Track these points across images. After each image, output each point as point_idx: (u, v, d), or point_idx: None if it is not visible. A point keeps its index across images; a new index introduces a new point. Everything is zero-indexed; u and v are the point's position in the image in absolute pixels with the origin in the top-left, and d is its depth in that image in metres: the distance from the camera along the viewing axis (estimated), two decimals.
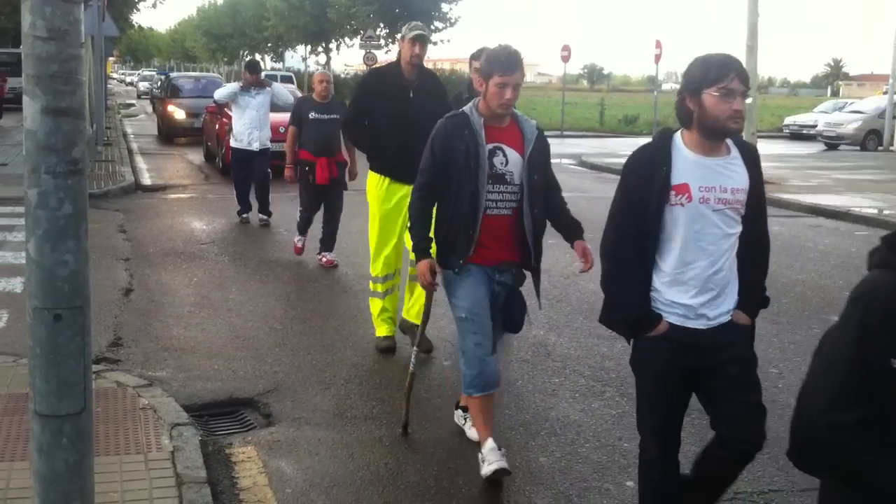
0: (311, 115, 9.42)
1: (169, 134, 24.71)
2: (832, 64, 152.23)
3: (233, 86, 12.04)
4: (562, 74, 37.40)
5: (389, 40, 34.99)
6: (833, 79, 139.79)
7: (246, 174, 11.95)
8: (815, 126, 32.21)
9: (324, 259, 9.52)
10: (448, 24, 34.30)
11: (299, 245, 9.90)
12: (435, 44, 34.73)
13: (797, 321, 7.68)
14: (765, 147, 19.08)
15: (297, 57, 58.37)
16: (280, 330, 7.15)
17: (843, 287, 9.00)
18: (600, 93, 75.44)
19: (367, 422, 5.33)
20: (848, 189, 16.95)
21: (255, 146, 11.63)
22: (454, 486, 4.53)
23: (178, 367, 6.21)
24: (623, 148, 26.25)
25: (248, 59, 12.52)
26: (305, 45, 49.21)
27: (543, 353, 6.65)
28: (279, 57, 58.86)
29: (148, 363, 6.27)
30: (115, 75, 74.80)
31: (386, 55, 37.99)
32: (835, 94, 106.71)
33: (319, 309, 7.80)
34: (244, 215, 12.14)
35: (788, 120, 36.59)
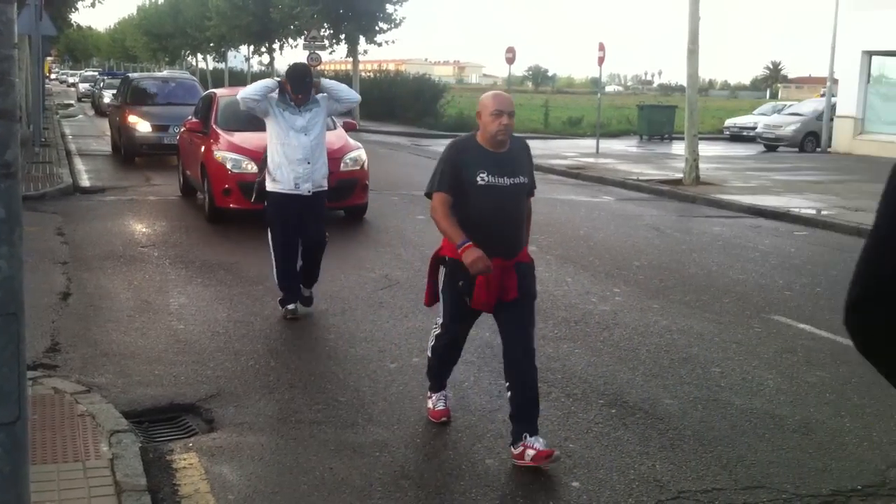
0: None
1: (129, 152, 19.56)
2: (771, 67, 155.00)
3: (268, 84, 7.53)
4: (507, 76, 37.53)
5: (333, 41, 34.82)
6: (772, 81, 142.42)
7: (292, 233, 7.56)
8: (754, 128, 32.71)
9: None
10: (393, 26, 34.18)
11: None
12: (380, 45, 34.69)
13: (738, 321, 7.78)
14: (706, 148, 19.41)
15: (240, 57, 57.79)
16: (223, 334, 7.05)
17: (784, 287, 9.15)
18: (545, 94, 75.80)
19: (312, 426, 5.27)
20: (787, 190, 17.25)
21: (306, 188, 7.40)
22: (399, 489, 4.50)
23: (118, 373, 6.08)
24: (567, 149, 26.47)
25: (291, 64, 7.92)
26: (248, 46, 48.70)
27: (489, 355, 6.64)
28: (221, 57, 58.18)
29: (86, 369, 6.13)
30: (53, 75, 73.28)
31: (330, 56, 37.91)
32: (773, 96, 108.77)
33: (263, 312, 7.71)
34: (290, 306, 7.55)
35: (729, 122, 37.11)
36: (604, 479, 4.64)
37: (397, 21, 34.13)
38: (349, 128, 13.03)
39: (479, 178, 4.70)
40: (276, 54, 46.64)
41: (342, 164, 11.62)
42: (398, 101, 37.86)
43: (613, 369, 6.38)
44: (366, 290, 8.44)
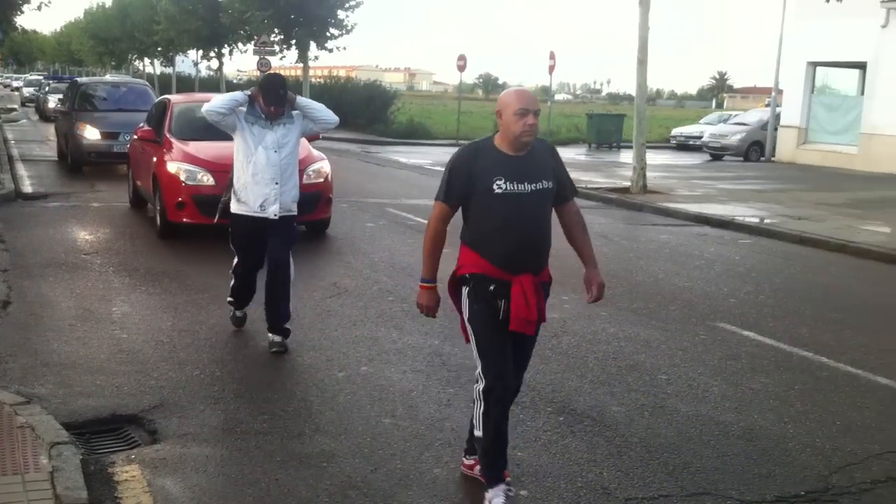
0: None
1: (76, 160, 18.58)
2: (717, 77, 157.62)
3: (237, 97, 6.82)
4: (458, 83, 37.64)
5: (284, 46, 34.60)
6: (718, 91, 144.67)
7: (254, 260, 7.07)
8: (700, 137, 33.19)
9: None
10: (344, 32, 34.08)
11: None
12: (331, 51, 34.57)
13: (685, 328, 7.85)
14: (653, 157, 19.62)
15: (189, 62, 57.20)
16: (167, 343, 6.94)
17: (728, 294, 9.27)
18: (495, 102, 76.08)
19: (258, 437, 5.20)
20: (732, 198, 17.50)
21: (273, 212, 6.74)
22: (347, 499, 4.45)
23: (59, 384, 5.95)
24: None
25: (265, 73, 7.92)
26: (197, 50, 48.22)
27: (438, 364, 6.62)
28: (169, 62, 57.51)
29: (26, 379, 5.99)
30: None
31: (280, 61, 37.65)
32: (719, 106, 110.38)
33: (209, 321, 7.60)
34: (238, 312, 7.34)
35: (676, 131, 37.63)
36: (552, 487, 4.65)
37: (348, 27, 34.06)
38: (311, 138, 12.05)
39: (496, 186, 4.17)
40: (226, 59, 46.26)
41: (304, 177, 10.89)
42: (349, 108, 37.71)
43: (562, 377, 6.40)
44: (314, 299, 8.38)
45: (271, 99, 6.66)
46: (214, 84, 47.44)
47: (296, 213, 6.99)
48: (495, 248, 4.22)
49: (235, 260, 7.13)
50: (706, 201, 16.81)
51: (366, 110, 37.49)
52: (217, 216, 7.26)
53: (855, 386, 6.46)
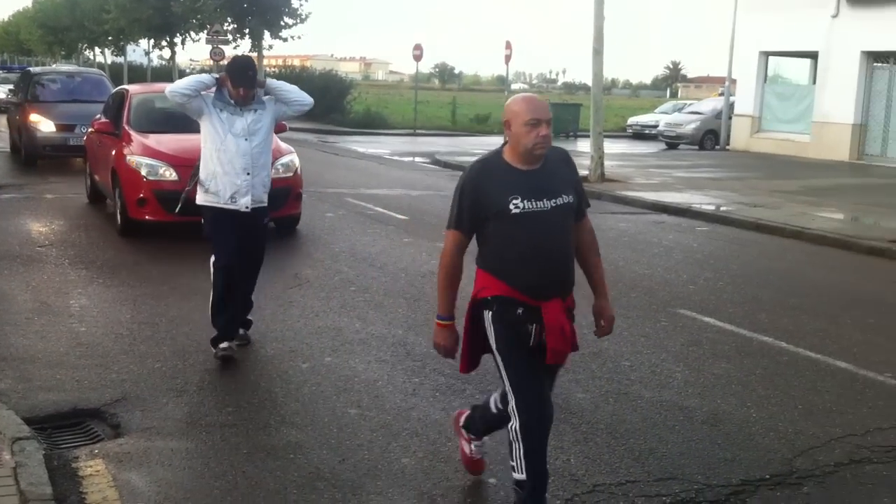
0: None
1: (30, 153, 17.89)
2: (671, 66, 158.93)
3: (203, 79, 6.47)
4: (414, 73, 37.56)
5: (237, 35, 34.23)
6: (672, 81, 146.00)
7: (236, 242, 6.43)
8: (656, 126, 33.49)
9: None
10: (298, 21, 33.80)
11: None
12: (285, 40, 34.27)
13: (646, 315, 7.92)
14: (610, 146, 19.75)
15: (140, 51, 56.36)
16: (126, 336, 6.84)
17: (688, 281, 9.36)
18: (451, 92, 76.16)
19: (223, 429, 5.15)
20: (688, 186, 17.66)
21: (244, 204, 6.34)
22: (315, 490, 4.43)
23: (18, 378, 5.84)
24: (476, 146, 26.58)
25: (234, 56, 6.93)
26: (148, 40, 47.45)
27: (403, 353, 6.61)
28: (120, 51, 56.61)
29: None
30: None
31: (234, 50, 37.24)
32: (673, 95, 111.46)
33: (169, 313, 7.51)
34: (224, 345, 6.31)
35: (631, 120, 37.93)
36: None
37: (303, 16, 33.78)
38: (279, 130, 10.77)
39: (512, 206, 3.74)
40: (178, 49, 45.64)
41: (273, 171, 10.51)
42: None
43: None
44: (275, 290, 8.31)
45: (240, 80, 6.20)
46: (167, 74, 46.80)
47: (266, 205, 6.56)
48: (519, 276, 3.80)
49: (213, 260, 6.50)
50: (663, 189, 16.96)
51: (322, 100, 36.96)
52: (178, 207, 6.96)
53: (815, 370, 6.56)
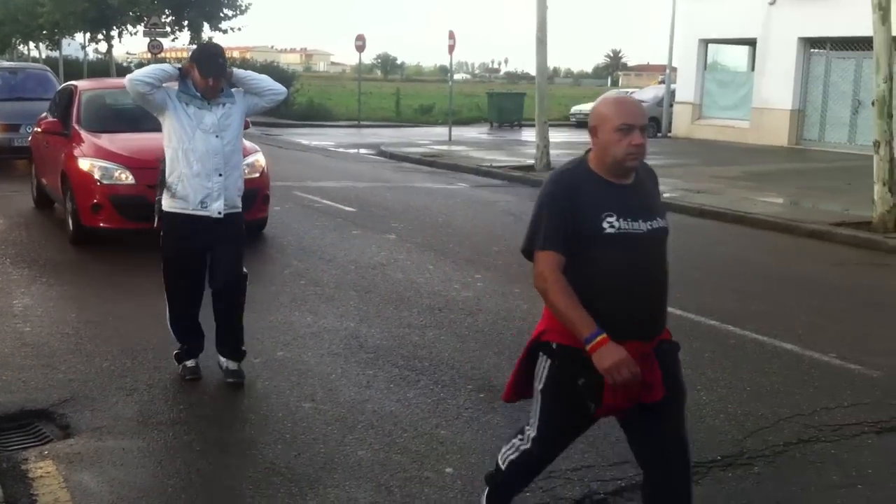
0: None
1: None
2: (612, 55, 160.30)
3: (166, 69, 5.76)
4: (356, 64, 37.42)
5: (176, 28, 33.76)
6: (613, 69, 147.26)
7: (195, 269, 5.80)
8: None
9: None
10: (238, 12, 33.47)
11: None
12: (224, 32, 33.90)
13: None
14: (554, 135, 19.89)
15: (76, 45, 55.26)
16: (73, 335, 6.72)
17: None
18: (394, 83, 75.94)
19: (175, 427, 5.09)
20: None
21: (216, 209, 5.62)
22: (271, 486, 4.40)
23: None
24: (421, 137, 26.57)
25: (201, 43, 6.35)
26: (84, 33, 46.55)
27: (356, 346, 6.59)
28: (55, 45, 55.44)
29: None
30: None
31: (172, 43, 36.73)
32: (614, 83, 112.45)
33: (116, 311, 7.39)
34: (190, 363, 5.89)
35: (575, 109, 38.10)
36: (476, 463, 4.67)
37: (243, 7, 33.49)
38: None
39: (606, 224, 3.21)
40: (115, 42, 44.83)
41: None
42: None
43: (480, 354, 6.44)
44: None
45: (209, 68, 5.49)
46: (104, 68, 45.95)
47: (240, 209, 5.82)
48: (600, 309, 3.19)
49: (164, 277, 5.83)
50: None
51: None
52: (156, 219, 5.88)
53: (761, 352, 6.69)
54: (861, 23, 15.20)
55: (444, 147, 23.29)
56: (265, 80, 5.91)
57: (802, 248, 11.27)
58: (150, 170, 8.85)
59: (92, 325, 6.99)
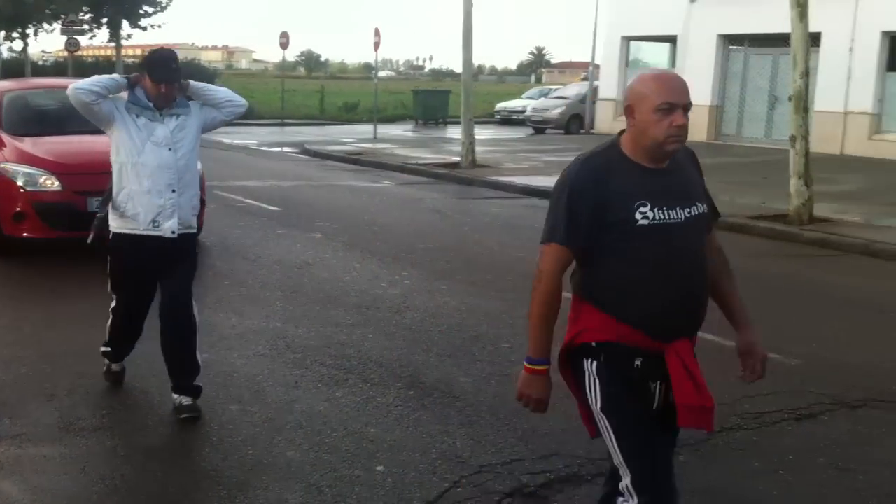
0: None
1: None
2: (536, 52, 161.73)
3: (116, 78, 5.26)
4: (279, 61, 37.06)
5: (94, 25, 33.00)
6: (537, 66, 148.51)
7: (146, 294, 5.45)
8: (523, 111, 33.99)
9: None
10: (158, 9, 32.87)
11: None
12: (144, 29, 33.28)
13: (523, 297, 7.96)
14: (479, 132, 19.98)
15: None
16: None
17: None
18: (318, 80, 75.38)
19: (98, 433, 4.97)
20: (558, 170, 17.61)
21: (169, 228, 5.18)
22: (199, 490, 4.34)
23: None
24: (345, 135, 26.45)
25: (153, 49, 5.28)
26: None
27: (282, 346, 6.52)
28: None
29: None
30: None
31: (91, 41, 35.89)
32: (538, 80, 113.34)
33: (32, 316, 7.19)
34: (115, 366, 5.71)
35: (499, 106, 38.39)
36: (407, 460, 4.67)
37: (163, 4, 32.91)
38: None
39: (639, 215, 2.90)
40: (31, 40, 43.63)
41: None
42: None
43: (408, 352, 6.44)
44: None
45: (162, 74, 5.07)
46: (19, 67, 44.67)
47: (196, 230, 5.48)
48: (641, 306, 2.93)
49: (114, 302, 5.48)
50: (533, 173, 17.26)
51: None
52: (90, 237, 5.57)
53: None
54: (778, 20, 15.64)
55: (369, 145, 23.23)
56: (223, 92, 5.51)
57: (722, 241, 11.42)
58: (79, 175, 8.58)
59: (8, 331, 6.80)
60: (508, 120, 35.83)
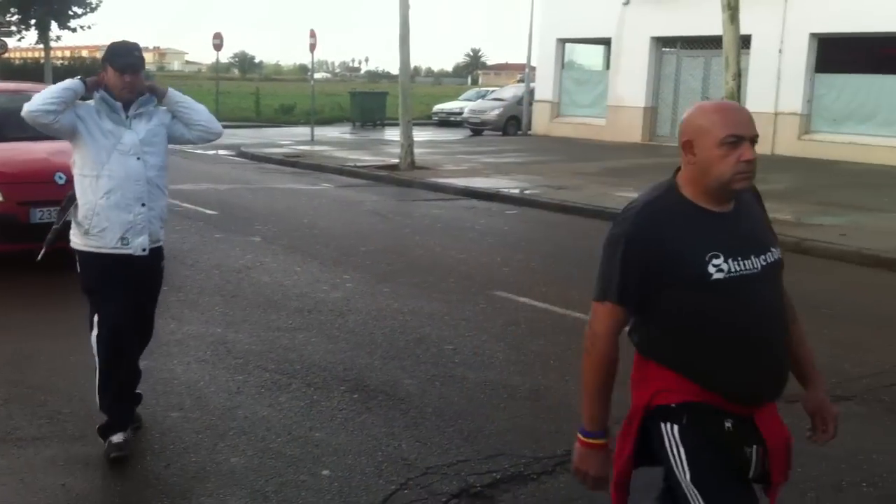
0: None
1: None
2: (472, 54, 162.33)
3: (71, 86, 4.61)
4: (212, 63, 36.62)
5: (22, 27, 32.26)
6: (473, 68, 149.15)
7: (127, 302, 4.78)
8: (461, 113, 34.13)
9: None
10: (88, 10, 32.25)
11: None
12: (74, 30, 32.64)
13: (465, 298, 8.08)
14: (417, 134, 20.00)
15: None
16: None
17: (502, 263, 9.62)
18: (253, 82, 74.66)
19: (36, 443, 4.86)
20: (495, 171, 18.12)
21: (139, 245, 4.75)
22: (142, 499, 4.27)
23: None
24: (282, 137, 26.23)
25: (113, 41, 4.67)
26: None
27: (223, 352, 6.45)
28: None
29: None
30: None
31: (18, 42, 35.08)
32: (475, 82, 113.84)
33: None
34: (117, 437, 4.67)
35: (437, 108, 38.46)
36: (353, 464, 4.66)
37: (93, 5, 32.30)
38: None
39: (712, 268, 2.57)
40: None
41: None
42: None
43: (351, 355, 6.42)
44: (81, 295, 7.89)
45: (126, 63, 4.63)
46: None
47: (162, 244, 4.99)
48: (726, 375, 2.60)
49: (96, 323, 4.83)
50: (472, 175, 17.32)
51: None
52: (41, 254, 5.08)
53: (624, 342, 6.88)
54: (709, 23, 15.94)
55: (307, 147, 23.07)
56: (200, 112, 4.96)
57: None
58: (21, 184, 8.14)
59: None
60: (446, 122, 35.92)
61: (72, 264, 4.86)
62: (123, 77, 4.62)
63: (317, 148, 22.88)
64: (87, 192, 4.70)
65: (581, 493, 4.38)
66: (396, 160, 18.40)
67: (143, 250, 4.76)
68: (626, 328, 2.76)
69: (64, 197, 4.96)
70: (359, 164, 18.84)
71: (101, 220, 4.66)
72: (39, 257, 5.09)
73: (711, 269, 2.57)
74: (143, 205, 4.73)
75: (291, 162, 19.77)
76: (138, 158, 4.71)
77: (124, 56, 4.68)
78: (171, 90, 4.92)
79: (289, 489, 4.39)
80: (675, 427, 2.64)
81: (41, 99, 4.54)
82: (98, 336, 4.81)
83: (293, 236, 10.81)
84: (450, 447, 4.89)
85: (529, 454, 4.81)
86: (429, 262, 9.57)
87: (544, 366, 6.30)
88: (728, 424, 2.61)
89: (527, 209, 13.95)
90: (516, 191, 15.31)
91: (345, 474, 4.55)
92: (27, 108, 4.57)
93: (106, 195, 4.65)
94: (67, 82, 4.63)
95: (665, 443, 2.66)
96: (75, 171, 4.79)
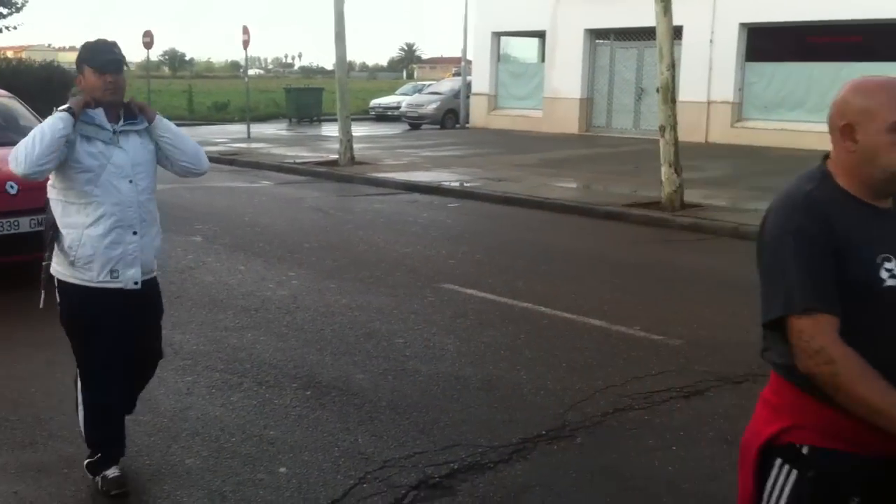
0: None
1: None
2: (406, 48, 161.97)
3: (59, 126, 3.97)
4: (142, 60, 36.01)
5: None
6: (408, 62, 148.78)
7: (116, 351, 4.29)
8: (398, 108, 34.06)
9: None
10: (14, 10, 31.45)
11: None
12: (0, 31, 31.80)
13: (413, 292, 8.10)
14: (354, 129, 19.90)
15: None
16: None
17: (447, 256, 9.65)
18: (184, 79, 73.55)
19: None
20: (435, 165, 18.15)
21: (131, 278, 4.24)
22: (95, 503, 4.22)
23: None
24: (217, 135, 25.90)
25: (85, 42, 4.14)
26: None
27: (170, 353, 6.33)
28: None
29: None
30: None
31: None
32: (410, 76, 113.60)
33: None
34: (111, 472, 4.31)
35: (374, 102, 38.32)
36: (310, 460, 4.65)
37: (18, 5, 31.47)
38: None
39: (885, 273, 2.20)
40: None
41: None
42: (25, 91, 34.77)
43: (302, 352, 6.39)
44: (27, 297, 7.73)
45: (106, 59, 4.16)
46: None
47: (156, 273, 4.53)
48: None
49: (79, 367, 4.39)
50: (412, 169, 17.33)
51: (44, 92, 34.76)
52: (42, 295, 4.46)
53: (572, 330, 7.00)
54: (642, 15, 16.15)
55: (244, 145, 22.83)
56: (186, 150, 4.44)
57: (600, 230, 11.85)
58: None
59: None
60: (384, 116, 35.81)
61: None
62: (105, 77, 4.12)
63: (254, 145, 22.66)
64: (71, 217, 4.17)
65: (538, 481, 4.46)
66: (335, 156, 18.32)
67: (136, 283, 4.26)
68: (761, 347, 2.41)
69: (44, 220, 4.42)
70: (298, 160, 18.72)
71: (86, 249, 4.14)
72: (41, 305, 4.47)
73: (884, 275, 2.18)
74: (135, 233, 4.22)
75: (228, 160, 19.53)
76: (130, 181, 4.20)
77: (103, 53, 4.18)
78: (159, 117, 4.37)
79: (247, 488, 4.37)
80: (795, 474, 2.27)
81: (35, 158, 3.92)
82: (84, 402, 4.40)
83: (235, 235, 10.71)
84: (406, 440, 4.91)
85: (485, 443, 4.85)
86: (374, 257, 9.56)
87: (495, 356, 6.34)
88: (855, 501, 2.23)
89: (468, 202, 14.00)
90: (457, 184, 15.36)
91: (302, 471, 4.54)
92: (20, 171, 3.95)
93: (95, 224, 4.13)
94: (55, 124, 3.99)
95: (770, 481, 2.31)
96: (54, 195, 4.23)
